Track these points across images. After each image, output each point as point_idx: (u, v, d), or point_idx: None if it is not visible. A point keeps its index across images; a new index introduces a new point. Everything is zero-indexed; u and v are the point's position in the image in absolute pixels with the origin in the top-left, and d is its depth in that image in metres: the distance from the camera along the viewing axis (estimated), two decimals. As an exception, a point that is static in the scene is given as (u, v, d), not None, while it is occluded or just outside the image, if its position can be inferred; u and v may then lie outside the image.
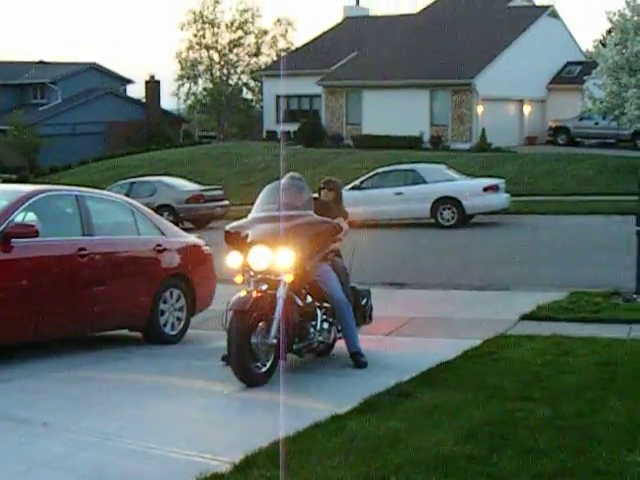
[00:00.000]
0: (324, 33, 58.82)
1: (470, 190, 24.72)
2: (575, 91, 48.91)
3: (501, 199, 25.06)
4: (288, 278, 8.15)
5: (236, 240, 8.42)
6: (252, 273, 8.17)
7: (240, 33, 67.87)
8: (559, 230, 23.11)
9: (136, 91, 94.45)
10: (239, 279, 8.36)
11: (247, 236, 8.30)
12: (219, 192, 29.87)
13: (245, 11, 67.88)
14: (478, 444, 5.90)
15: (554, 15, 51.36)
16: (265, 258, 8.11)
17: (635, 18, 31.56)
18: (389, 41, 50.99)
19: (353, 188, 25.92)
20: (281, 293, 8.04)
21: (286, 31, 69.81)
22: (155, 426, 6.69)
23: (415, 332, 11.65)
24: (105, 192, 12.78)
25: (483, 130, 43.78)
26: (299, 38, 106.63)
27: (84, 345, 10.19)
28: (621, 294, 13.27)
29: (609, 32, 60.13)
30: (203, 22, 67.38)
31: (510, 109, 48.41)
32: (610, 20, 33.15)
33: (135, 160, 47.03)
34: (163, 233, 11.17)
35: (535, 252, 19.19)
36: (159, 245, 10.90)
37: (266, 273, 8.14)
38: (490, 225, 24.80)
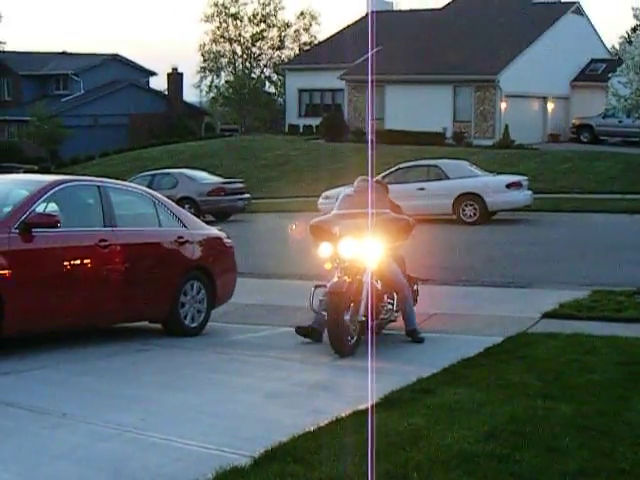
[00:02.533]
0: (347, 27, 58.69)
1: (493, 187, 24.56)
2: (599, 89, 48.59)
3: (524, 196, 24.87)
4: (373, 266, 9.45)
5: (324, 233, 9.87)
6: (340, 261, 9.48)
7: (263, 26, 67.91)
8: (582, 228, 22.95)
9: (159, 83, 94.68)
10: (328, 266, 9.74)
11: (335, 231, 9.71)
12: (240, 185, 29.84)
13: (267, 4, 67.89)
14: (500, 442, 5.84)
15: (579, 12, 51.00)
16: (354, 249, 9.42)
17: (662, 15, 31.34)
18: (413, 36, 50.81)
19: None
20: (367, 279, 9.33)
21: (310, 25, 69.85)
22: (174, 418, 6.66)
23: (436, 328, 11.57)
24: (127, 183, 12.73)
25: (506, 127, 43.56)
26: (322, 32, 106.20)
27: (104, 336, 10.18)
28: (644, 293, 13.13)
29: (634, 29, 59.79)
30: (226, 15, 67.42)
31: (533, 106, 48.13)
32: (636, 17, 32.87)
33: (156, 152, 47.08)
34: (184, 225, 11.14)
35: (557, 250, 19.06)
36: (180, 237, 10.87)
37: (353, 262, 9.41)
38: (512, 222, 24.64)
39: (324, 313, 9.49)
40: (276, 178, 39.44)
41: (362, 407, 6.88)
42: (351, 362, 9.14)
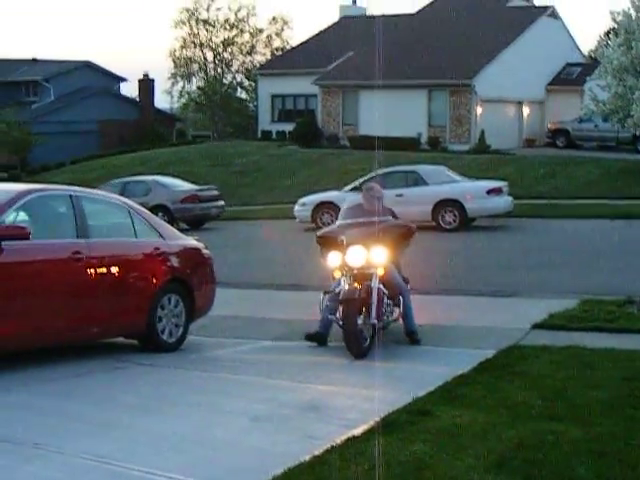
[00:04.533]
0: (320, 32, 58.27)
1: (473, 192, 24.20)
2: (574, 93, 48.52)
3: (504, 202, 24.53)
4: (380, 272, 10.07)
5: (332, 243, 10.45)
6: (348, 269, 10.05)
7: (235, 31, 67.39)
8: (562, 234, 22.65)
9: (130, 89, 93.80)
10: (338, 274, 10.32)
11: (342, 240, 10.24)
12: (214, 192, 29.34)
13: (239, 10, 67.46)
14: (511, 472, 5.40)
15: (554, 16, 50.89)
16: (362, 257, 10.00)
17: (640, 19, 31.14)
18: (386, 41, 50.44)
19: (354, 189, 25.37)
20: (375, 284, 9.91)
21: (281, 30, 69.36)
22: (156, 447, 6.13)
23: (424, 341, 11.16)
24: (101, 192, 12.21)
25: (482, 132, 43.30)
26: (295, 37, 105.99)
27: (76, 353, 9.63)
28: (635, 302, 12.77)
29: (608, 33, 59.90)
30: (197, 20, 66.86)
31: (509, 111, 47.91)
32: (614, 20, 32.65)
33: (128, 159, 46.43)
34: (161, 236, 10.64)
35: (540, 257, 18.70)
36: (157, 248, 10.37)
37: (360, 269, 9.98)
38: (491, 228, 24.31)
39: (331, 317, 10.25)
40: (250, 185, 38.95)
41: (357, 432, 6.42)
42: (341, 379, 8.75)
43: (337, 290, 10.23)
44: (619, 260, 17.52)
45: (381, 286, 10.12)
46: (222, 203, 29.03)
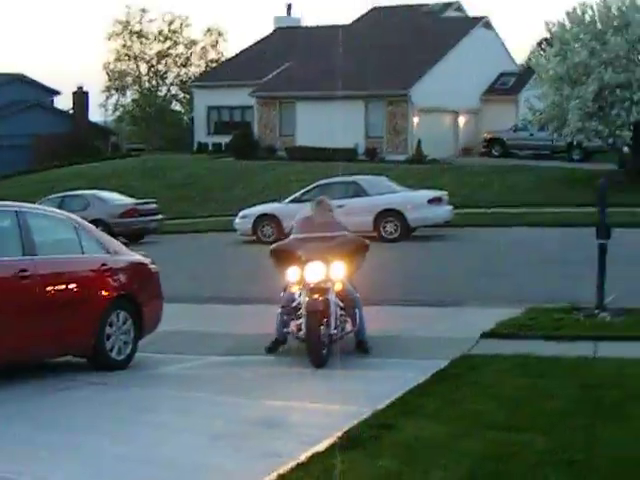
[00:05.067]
0: (255, 44, 58.14)
1: (414, 202, 24.25)
2: (509, 102, 49.11)
3: (445, 211, 24.65)
4: (338, 286, 10.51)
5: (287, 257, 10.73)
6: (306, 283, 10.34)
7: (168, 43, 66.98)
8: (503, 243, 22.74)
9: (63, 102, 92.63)
10: (295, 289, 10.64)
11: (300, 255, 10.50)
12: (153, 206, 29.03)
13: (172, 22, 67.04)
14: (482, 486, 5.35)
15: (488, 26, 51.43)
16: (321, 272, 10.34)
17: (574, 29, 31.52)
18: (322, 52, 50.54)
19: (294, 201, 25.32)
20: (332, 297, 10.30)
21: (216, 42, 69.12)
22: (115, 471, 5.93)
23: (375, 352, 11.11)
24: (46, 208, 11.93)
25: (419, 141, 43.54)
26: (230, 49, 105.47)
27: (23, 374, 9.36)
28: (581, 309, 12.87)
29: (540, 44, 60.76)
30: (130, 32, 66.30)
31: (445, 120, 48.27)
32: (549, 31, 33.07)
33: (63, 173, 45.73)
34: (108, 251, 10.43)
35: (482, 266, 18.79)
36: (104, 264, 10.16)
37: (318, 283, 10.30)
38: (432, 238, 24.38)
39: (286, 330, 10.73)
40: (187, 198, 38.64)
41: (320, 448, 6.31)
42: (297, 394, 8.66)
43: (293, 304, 10.63)
44: (561, 268, 17.66)
45: (337, 299, 10.47)
46: (161, 217, 28.76)
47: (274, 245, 11.45)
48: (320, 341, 10.05)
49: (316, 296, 10.23)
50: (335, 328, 10.31)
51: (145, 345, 11.00)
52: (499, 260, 19.58)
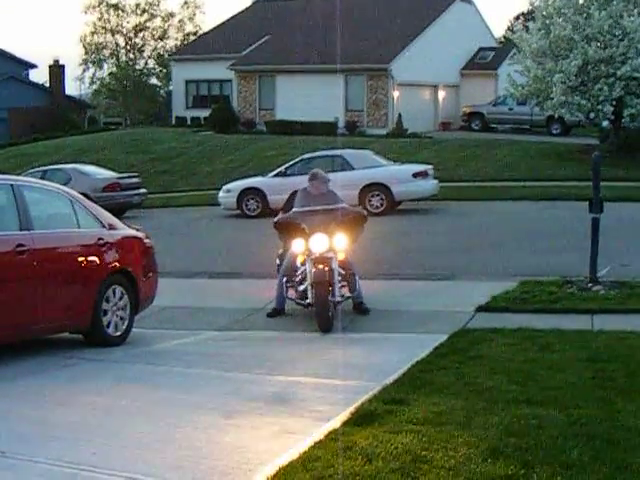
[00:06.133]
0: (234, 16, 57.59)
1: (399, 176, 24.11)
2: (488, 76, 49.07)
3: (431, 185, 24.52)
4: (340, 256, 11.26)
5: (291, 229, 11.41)
6: (311, 253, 11.04)
7: (146, 16, 66.29)
8: (489, 217, 22.71)
9: (39, 76, 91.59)
10: (301, 259, 11.37)
11: (304, 228, 11.17)
12: (136, 180, 28.70)
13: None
14: (508, 460, 5.25)
15: (467, 1, 51.26)
16: (325, 243, 11.05)
17: (557, 3, 31.36)
18: (302, 25, 50.21)
19: (278, 175, 25.18)
20: (335, 266, 11.03)
21: (194, 14, 68.52)
22: (130, 449, 5.78)
23: (370, 327, 11.09)
24: (41, 181, 11.68)
25: (399, 115, 43.38)
26: (207, 22, 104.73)
27: (18, 351, 9.19)
28: (574, 282, 12.85)
29: (518, 18, 60.66)
30: (107, 5, 65.58)
31: (425, 94, 48.13)
32: (532, 5, 32.92)
33: (41, 147, 45.21)
34: (104, 225, 10.26)
35: (471, 239, 18.73)
36: (100, 239, 10.00)
37: (322, 253, 11.00)
38: (418, 212, 24.27)
39: (289, 296, 11.52)
40: (168, 172, 38.29)
41: (336, 425, 6.21)
42: (301, 369, 8.55)
43: (298, 273, 11.48)
44: (550, 241, 17.66)
45: (339, 268, 11.23)
46: (144, 191, 28.45)
47: (278, 217, 11.97)
48: (327, 308, 10.78)
49: (321, 266, 10.92)
50: (339, 295, 11.14)
51: (137, 320, 10.86)
52: (486, 234, 19.52)
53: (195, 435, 6.09)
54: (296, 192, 12.38)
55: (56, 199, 9.94)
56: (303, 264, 11.36)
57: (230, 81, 50.18)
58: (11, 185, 9.12)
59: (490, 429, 5.89)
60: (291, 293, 11.59)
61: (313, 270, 10.95)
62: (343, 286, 11.49)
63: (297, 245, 11.35)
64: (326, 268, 10.92)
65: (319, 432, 6.01)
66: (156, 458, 5.54)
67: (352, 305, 11.79)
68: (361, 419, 6.27)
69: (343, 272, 11.38)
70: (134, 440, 5.99)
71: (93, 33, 66.10)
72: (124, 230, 10.78)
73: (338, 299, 11.10)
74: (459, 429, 5.90)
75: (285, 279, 11.62)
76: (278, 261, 12.62)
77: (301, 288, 11.32)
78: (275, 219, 11.95)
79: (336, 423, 6.23)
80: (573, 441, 5.66)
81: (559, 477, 5.01)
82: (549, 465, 5.19)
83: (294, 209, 11.73)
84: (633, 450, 5.50)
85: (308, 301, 11.04)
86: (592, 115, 32.51)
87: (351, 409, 6.59)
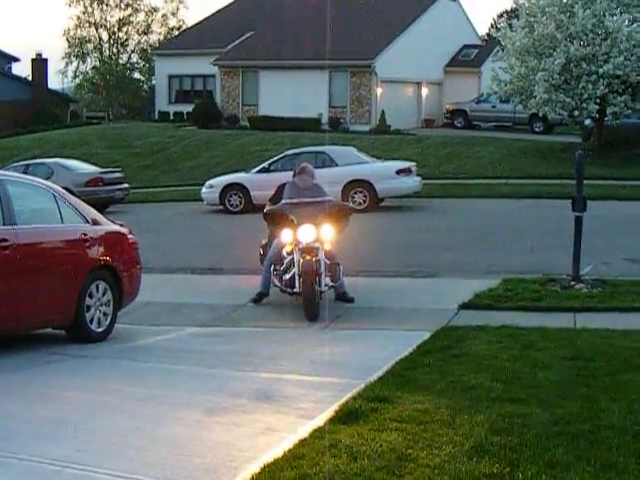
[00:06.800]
0: (217, 12, 57.44)
1: (382, 173, 24.13)
2: (471, 74, 49.11)
3: (414, 182, 24.54)
4: (327, 247, 11.72)
5: (279, 220, 11.80)
6: (299, 243, 11.50)
7: (130, 10, 66.08)
8: (473, 214, 22.76)
9: (21, 69, 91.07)
10: (288, 249, 11.76)
11: (292, 219, 11.54)
12: (119, 175, 28.57)
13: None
14: (493, 459, 5.26)
15: (451, -2, 51.35)
16: (312, 234, 11.51)
17: (541, 1, 31.39)
18: (286, 21, 50.12)
19: (261, 170, 25.15)
20: (322, 256, 11.49)
21: (177, 9, 68.36)
22: (114, 446, 5.76)
23: (353, 324, 11.11)
24: (25, 176, 11.62)
25: (382, 112, 43.37)
26: (191, 17, 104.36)
27: (4, 348, 9.13)
28: (557, 280, 12.90)
29: (501, 15, 60.70)
30: (91, -1, 65.35)
31: (408, 91, 48.13)
32: (516, 2, 32.96)
33: (23, 141, 44.95)
34: (87, 221, 10.21)
35: (454, 237, 18.77)
36: (84, 234, 9.96)
37: (309, 243, 11.47)
38: (401, 209, 24.30)
39: (277, 285, 12.03)
40: (151, 167, 38.17)
41: (320, 422, 6.21)
42: (284, 366, 8.53)
43: (285, 261, 11.90)
44: (533, 239, 17.71)
45: (325, 258, 11.65)
46: (127, 186, 28.31)
47: (268, 209, 12.31)
48: (314, 297, 11.28)
49: (309, 257, 11.39)
50: (324, 285, 11.54)
51: (120, 316, 10.82)
52: (469, 231, 19.56)
53: (179, 432, 6.08)
54: (284, 185, 12.81)
55: (40, 194, 9.89)
56: (290, 254, 11.79)
57: (213, 76, 50.04)
58: (-6, 180, 9.06)
59: (475, 427, 5.90)
60: (276, 281, 12.08)
61: (301, 260, 11.41)
62: (327, 275, 11.77)
63: (285, 235, 11.75)
64: (314, 259, 11.36)
65: (304, 430, 6.01)
66: (140, 455, 5.52)
67: (335, 295, 12.18)
68: (346, 417, 6.27)
69: (328, 262, 11.72)
70: (118, 437, 5.96)
71: (77, 26, 65.91)
72: (108, 225, 10.74)
73: (324, 288, 11.51)
74: (444, 427, 5.91)
75: (272, 267, 12.16)
76: (261, 251, 13.37)
77: (287, 277, 11.77)
78: (265, 210, 12.32)
79: (321, 421, 6.23)
80: (557, 440, 5.69)
81: (544, 476, 5.03)
82: (534, 464, 5.20)
83: (283, 201, 12.11)
84: (617, 449, 5.52)
85: (295, 290, 11.52)
86: (576, 113, 32.61)
87: (335, 407, 6.59)
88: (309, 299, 11.30)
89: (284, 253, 11.97)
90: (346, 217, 12.27)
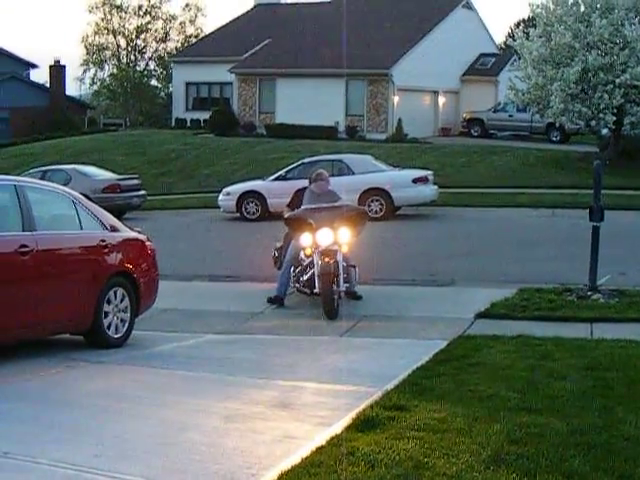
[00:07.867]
0: (235, 20, 57.69)
1: (399, 181, 24.16)
2: (488, 83, 49.11)
3: (430, 191, 24.56)
4: (344, 249, 12.31)
5: (300, 225, 12.33)
6: (318, 247, 12.07)
7: (148, 18, 66.39)
8: (489, 223, 22.74)
9: (40, 76, 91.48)
10: (308, 251, 12.43)
11: (311, 223, 12.10)
12: (136, 181, 28.69)
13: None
14: (510, 468, 5.27)
15: (468, 7, 51.33)
16: (330, 237, 12.08)
17: (558, 11, 31.40)
18: (303, 29, 50.26)
19: (278, 178, 25.21)
20: (340, 258, 12.09)
21: (195, 17, 68.63)
22: (133, 452, 5.79)
23: (370, 332, 11.11)
24: (44, 182, 11.70)
25: (399, 120, 43.41)
26: (208, 25, 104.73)
27: (18, 352, 9.18)
28: (574, 290, 12.88)
29: (518, 24, 60.65)
30: (110, 6, 65.64)
31: (425, 100, 48.19)
32: (533, 12, 32.94)
33: (41, 147, 45.22)
34: (105, 227, 10.28)
35: (471, 246, 18.75)
36: (103, 240, 10.01)
37: (328, 246, 12.04)
38: (417, 217, 24.32)
39: (296, 286, 12.86)
40: (168, 174, 38.32)
41: (337, 430, 6.23)
42: (301, 374, 8.55)
43: (304, 263, 12.63)
44: (549, 248, 17.69)
45: (343, 260, 12.20)
46: (144, 192, 28.44)
47: (289, 214, 12.84)
48: (333, 297, 11.87)
49: (327, 259, 11.96)
50: (342, 285, 12.09)
51: (138, 323, 10.87)
52: (486, 240, 19.55)
53: (197, 439, 6.10)
54: (299, 190, 13.53)
55: (59, 200, 9.96)
56: (308, 256, 12.48)
57: (230, 84, 50.24)
58: (14, 185, 9.13)
59: (491, 437, 5.91)
60: (296, 282, 12.85)
61: (320, 262, 11.99)
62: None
63: (305, 238, 12.32)
64: (332, 260, 11.95)
65: (321, 437, 6.03)
66: (158, 461, 5.55)
67: (345, 293, 12.60)
68: (363, 425, 6.29)
69: (345, 264, 12.29)
70: (135, 443, 6.00)
71: (95, 33, 66.27)
72: (126, 232, 10.79)
73: (342, 288, 12.11)
74: (460, 436, 5.92)
75: (292, 268, 12.84)
76: (276, 253, 14.16)
77: (305, 278, 12.54)
78: (285, 215, 12.91)
79: (338, 428, 6.25)
80: (574, 450, 5.69)
81: (561, 486, 5.04)
82: (550, 474, 5.21)
83: (303, 207, 12.74)
84: (634, 460, 5.51)
85: (316, 290, 12.09)
86: (593, 123, 32.55)
87: (352, 415, 6.61)
88: (328, 298, 11.83)
89: (302, 255, 12.65)
90: (363, 221, 12.85)
